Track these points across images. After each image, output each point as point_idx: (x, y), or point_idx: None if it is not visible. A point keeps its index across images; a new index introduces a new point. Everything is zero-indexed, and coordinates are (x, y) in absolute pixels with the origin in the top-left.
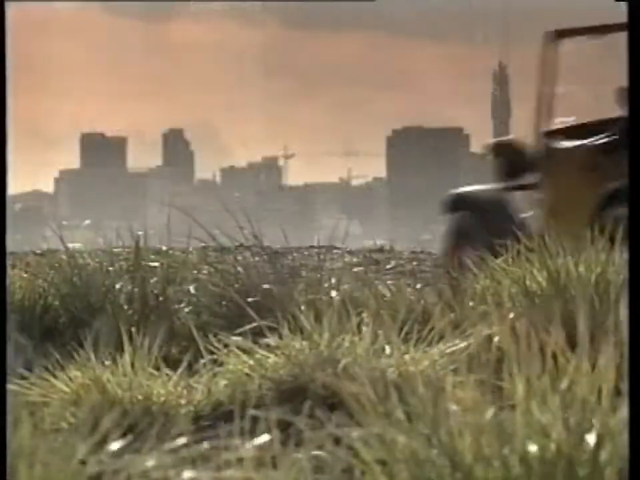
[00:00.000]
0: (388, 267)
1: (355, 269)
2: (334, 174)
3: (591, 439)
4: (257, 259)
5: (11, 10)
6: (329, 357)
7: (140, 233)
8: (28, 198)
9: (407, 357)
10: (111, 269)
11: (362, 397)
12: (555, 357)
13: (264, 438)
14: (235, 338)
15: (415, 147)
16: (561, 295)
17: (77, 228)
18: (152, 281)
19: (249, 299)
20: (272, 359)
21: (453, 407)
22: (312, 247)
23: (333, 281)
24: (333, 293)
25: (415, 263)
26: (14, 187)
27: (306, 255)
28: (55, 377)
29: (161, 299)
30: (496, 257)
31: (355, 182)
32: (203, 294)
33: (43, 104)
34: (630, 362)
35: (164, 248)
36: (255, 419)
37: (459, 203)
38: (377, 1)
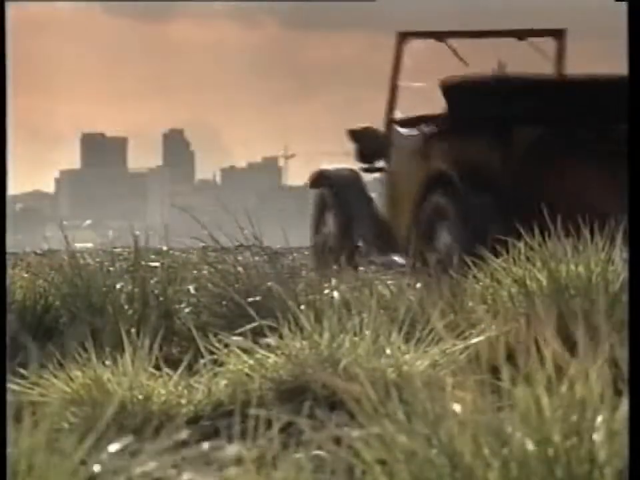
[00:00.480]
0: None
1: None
2: None
3: (590, 439)
4: (257, 258)
5: (11, 10)
6: (329, 357)
7: (140, 233)
8: (28, 198)
9: (407, 356)
10: (111, 269)
11: (362, 397)
12: (554, 356)
13: (264, 438)
14: (235, 338)
15: None
16: (561, 295)
17: (78, 228)
18: (152, 281)
19: (249, 299)
20: (272, 358)
21: (453, 407)
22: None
23: (333, 281)
24: (334, 293)
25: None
26: (14, 187)
27: (306, 254)
28: (55, 376)
29: (161, 298)
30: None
31: None
32: (203, 294)
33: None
34: (630, 362)
35: (164, 248)
36: (255, 419)
37: (320, 179)
38: (377, 1)
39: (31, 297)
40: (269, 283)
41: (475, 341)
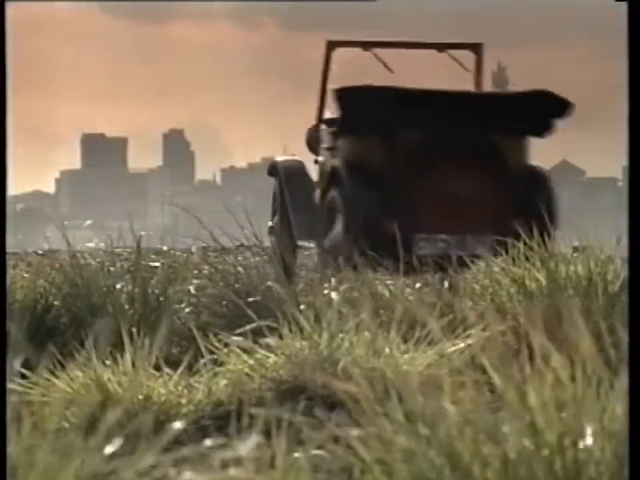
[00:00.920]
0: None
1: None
2: None
3: (588, 438)
4: (257, 258)
5: (11, 10)
6: (328, 356)
7: (140, 233)
8: (29, 198)
9: (406, 356)
10: (112, 269)
11: (361, 397)
12: (546, 356)
13: (263, 437)
14: (235, 338)
15: None
16: (560, 294)
17: (78, 228)
18: (153, 281)
19: (249, 299)
20: (272, 358)
21: (452, 407)
22: (312, 247)
23: (333, 281)
24: (333, 294)
25: None
26: (15, 187)
27: (306, 254)
28: (56, 376)
29: (161, 298)
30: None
31: None
32: (203, 294)
33: (43, 104)
34: (630, 362)
35: (165, 248)
36: (255, 419)
37: (273, 170)
38: (377, 1)
39: (32, 297)
40: (269, 283)
41: (470, 341)
